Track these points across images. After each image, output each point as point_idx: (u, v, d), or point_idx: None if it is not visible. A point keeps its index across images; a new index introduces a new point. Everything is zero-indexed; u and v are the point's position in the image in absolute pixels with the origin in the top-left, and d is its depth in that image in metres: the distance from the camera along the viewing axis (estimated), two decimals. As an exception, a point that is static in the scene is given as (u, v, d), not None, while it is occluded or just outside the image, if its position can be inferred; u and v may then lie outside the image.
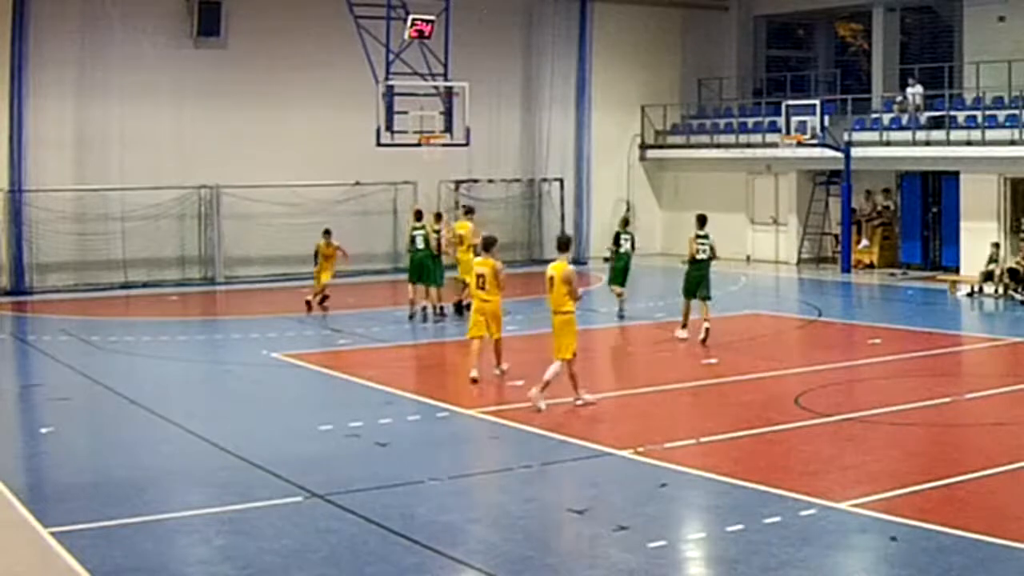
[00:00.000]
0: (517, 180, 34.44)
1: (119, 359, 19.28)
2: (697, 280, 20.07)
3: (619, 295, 22.71)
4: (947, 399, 15.25)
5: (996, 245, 26.76)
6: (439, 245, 23.10)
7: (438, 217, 24.15)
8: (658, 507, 10.88)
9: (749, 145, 33.76)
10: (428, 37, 26.66)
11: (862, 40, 37.66)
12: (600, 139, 35.56)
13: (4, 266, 27.86)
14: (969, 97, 30.04)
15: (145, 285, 28.88)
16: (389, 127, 25.90)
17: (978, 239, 27.62)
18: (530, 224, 34.43)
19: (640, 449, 12.53)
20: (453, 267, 24.34)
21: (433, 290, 22.84)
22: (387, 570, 9.09)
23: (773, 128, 32.29)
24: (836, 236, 32.65)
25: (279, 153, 30.20)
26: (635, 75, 36.01)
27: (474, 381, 16.40)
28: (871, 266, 31.65)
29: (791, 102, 30.88)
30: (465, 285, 22.26)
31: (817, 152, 30.68)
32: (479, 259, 17.04)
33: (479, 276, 16.60)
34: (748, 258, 34.10)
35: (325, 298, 24.03)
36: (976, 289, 25.99)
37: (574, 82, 35.17)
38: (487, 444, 13.63)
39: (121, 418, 14.97)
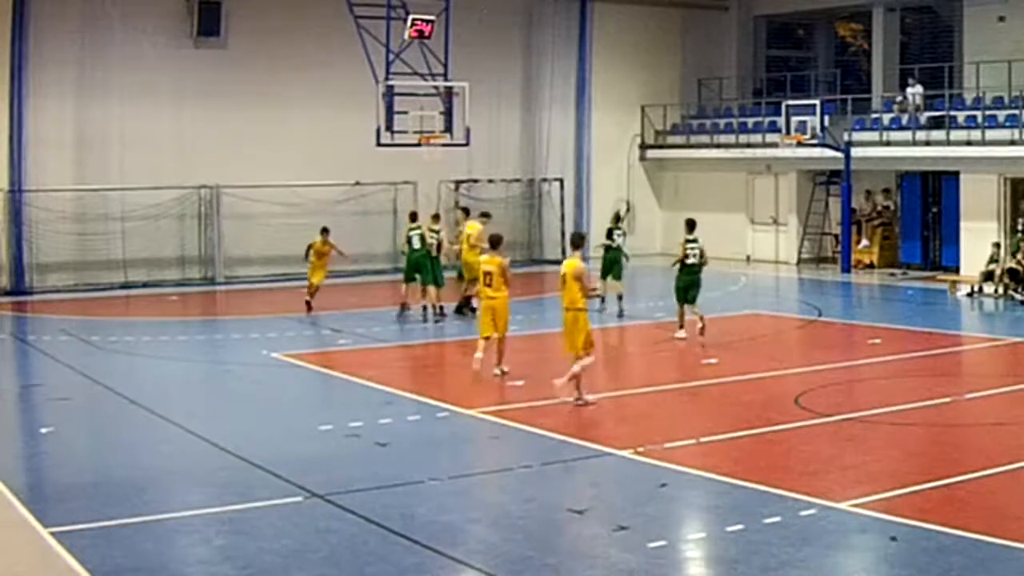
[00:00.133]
0: (517, 180, 34.44)
1: (119, 359, 19.28)
2: (687, 285, 20.33)
3: (616, 291, 23.02)
4: (947, 399, 15.25)
5: (996, 245, 26.77)
6: (438, 245, 23.12)
7: (436, 218, 24.20)
8: (658, 507, 10.88)
9: (749, 145, 33.76)
10: (428, 37, 26.65)
11: (862, 40, 37.66)
12: (600, 139, 35.57)
13: (4, 266, 27.86)
14: (969, 97, 30.04)
15: (145, 285, 28.88)
16: (389, 127, 25.90)
17: (978, 239, 27.62)
18: (530, 224, 34.43)
19: (640, 449, 12.53)
20: (451, 268, 24.43)
21: (433, 289, 22.85)
22: (387, 570, 9.09)
23: (773, 128, 32.29)
24: (836, 236, 32.65)
25: (279, 153, 30.20)
26: (635, 75, 36.01)
27: (476, 372, 16.52)
28: (871, 266, 31.65)
29: (791, 102, 30.88)
30: (471, 283, 22.32)
31: (817, 152, 30.68)
32: (486, 257, 17.24)
33: (487, 274, 16.85)
34: (748, 258, 34.11)
35: (311, 297, 23.89)
36: (976, 289, 25.99)
37: (574, 82, 35.18)
38: (487, 444, 13.63)
39: (121, 418, 14.97)
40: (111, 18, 28.51)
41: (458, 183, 32.70)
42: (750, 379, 16.85)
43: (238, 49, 30.15)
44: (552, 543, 9.73)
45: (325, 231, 24.13)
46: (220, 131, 29.67)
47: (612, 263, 23.40)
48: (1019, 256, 25.72)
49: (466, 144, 27.45)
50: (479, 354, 16.76)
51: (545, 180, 34.81)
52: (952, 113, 29.20)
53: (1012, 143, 27.38)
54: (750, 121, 34.38)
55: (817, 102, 30.32)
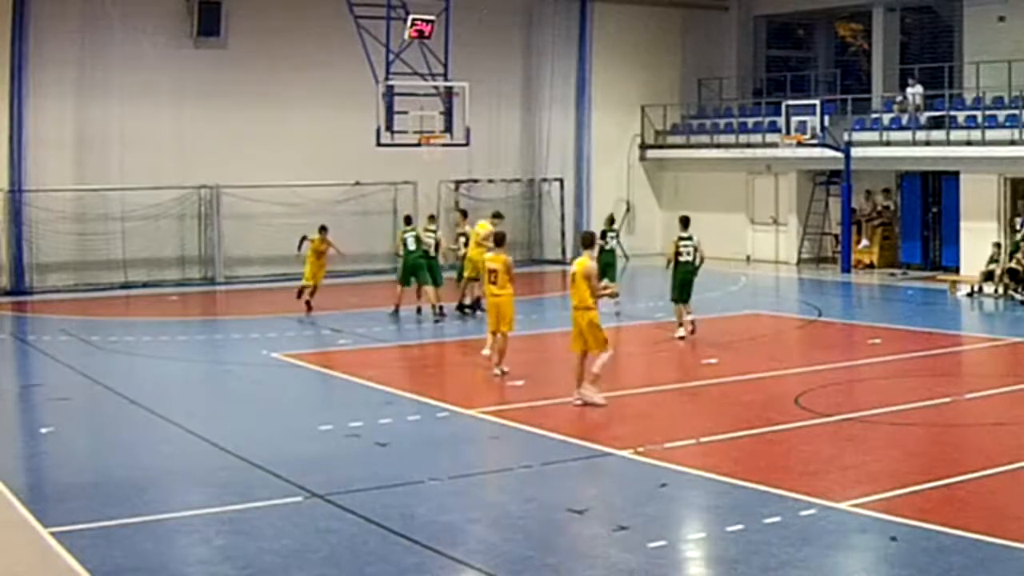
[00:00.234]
0: (517, 180, 34.45)
1: (119, 359, 19.28)
2: (682, 282, 20.44)
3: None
4: (947, 399, 15.25)
5: (997, 245, 26.77)
6: (436, 246, 23.14)
7: (432, 218, 24.23)
8: (658, 507, 10.88)
9: (749, 145, 33.76)
10: (428, 37, 26.66)
11: (862, 40, 37.67)
12: (600, 139, 35.57)
13: (4, 266, 27.87)
14: (969, 97, 30.05)
15: (145, 285, 28.89)
16: (389, 127, 25.90)
17: (978, 239, 27.63)
18: (530, 224, 34.43)
19: (640, 449, 12.53)
20: (447, 268, 24.46)
21: (430, 289, 22.88)
22: (387, 570, 9.09)
23: (773, 128, 32.29)
24: (836, 236, 32.66)
25: (279, 153, 30.20)
26: (635, 75, 36.02)
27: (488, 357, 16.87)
28: (871, 266, 31.66)
29: (791, 102, 30.89)
30: (470, 281, 22.37)
31: (817, 152, 30.69)
32: (490, 255, 17.38)
33: (491, 271, 17.02)
34: (748, 258, 34.12)
35: (301, 294, 23.89)
36: (976, 289, 25.99)
37: (574, 82, 35.18)
38: (487, 444, 13.63)
39: (121, 418, 14.97)
40: (111, 18, 28.51)
41: (458, 183, 32.71)
42: (750, 379, 16.84)
43: (238, 49, 30.16)
44: (552, 543, 9.73)
45: (323, 229, 24.08)
46: (220, 131, 29.68)
47: (606, 266, 23.40)
48: (1019, 256, 25.72)
49: (466, 144, 27.46)
50: (486, 351, 16.99)
51: (545, 180, 34.83)
52: (952, 113, 29.21)
53: (1012, 143, 27.39)
54: (750, 121, 34.38)
55: (817, 102, 30.33)
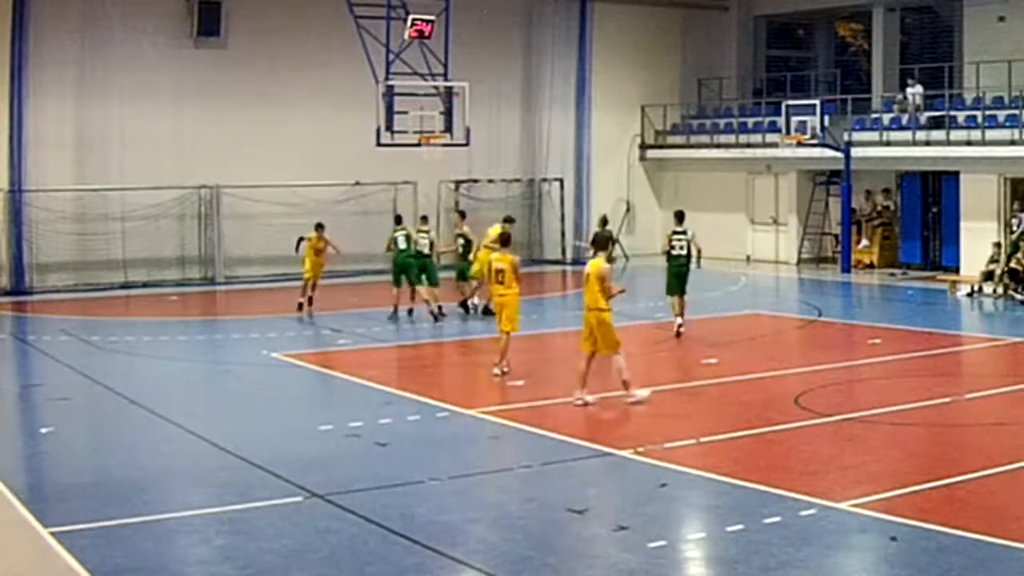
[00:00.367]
0: (517, 180, 34.45)
1: (119, 359, 19.27)
2: (676, 276, 20.66)
3: None
4: (947, 399, 15.25)
5: (997, 245, 26.76)
6: (431, 246, 23.16)
7: (424, 219, 24.23)
8: (658, 507, 10.88)
9: (749, 145, 33.76)
10: (428, 37, 26.65)
11: (862, 40, 37.67)
12: (600, 139, 35.57)
13: (4, 266, 27.87)
14: (969, 97, 30.05)
15: (145, 285, 28.89)
16: (389, 127, 25.90)
17: (978, 239, 27.63)
18: (530, 224, 34.41)
19: (640, 449, 12.53)
20: (449, 267, 24.48)
21: (422, 289, 22.93)
22: (387, 570, 9.09)
23: (773, 128, 32.29)
24: (836, 236, 32.66)
25: (279, 153, 30.21)
26: (635, 75, 36.02)
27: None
28: (871, 266, 31.66)
29: (791, 102, 30.88)
30: (479, 284, 22.43)
31: (817, 152, 30.68)
32: (497, 255, 17.47)
33: (498, 271, 17.11)
34: (748, 258, 34.12)
35: (301, 307, 23.73)
36: (976, 289, 25.99)
37: (574, 82, 35.17)
38: (487, 444, 13.62)
39: (121, 418, 14.96)
40: (111, 18, 28.51)
41: (458, 183, 32.71)
42: (750, 379, 16.85)
43: (238, 49, 30.16)
44: (552, 543, 9.72)
45: (320, 227, 24.03)
46: (220, 131, 29.68)
47: None
48: (1019, 255, 25.72)
49: (466, 144, 27.46)
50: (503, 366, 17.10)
51: (545, 180, 34.82)
52: (952, 113, 29.21)
53: (1012, 143, 27.38)
54: (750, 121, 34.38)
55: (817, 102, 30.33)
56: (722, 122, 35.31)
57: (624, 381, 14.86)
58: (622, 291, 15.63)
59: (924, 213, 31.15)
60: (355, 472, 12.01)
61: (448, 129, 26.53)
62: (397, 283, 23.23)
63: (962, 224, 28.95)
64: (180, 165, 29.36)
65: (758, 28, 37.64)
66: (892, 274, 30.52)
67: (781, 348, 20.67)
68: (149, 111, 29.05)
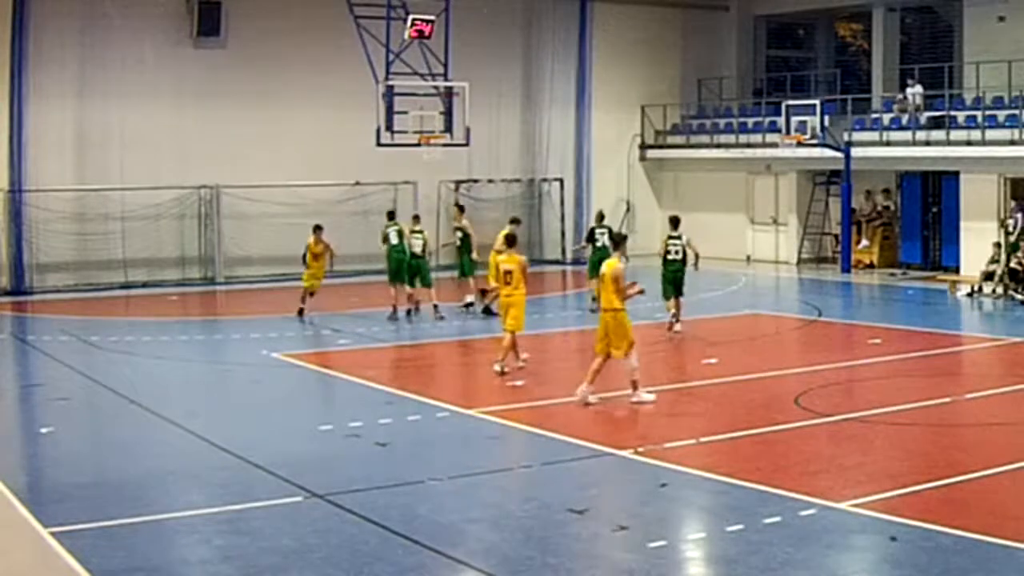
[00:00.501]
0: (517, 180, 34.44)
1: (119, 359, 19.26)
2: (671, 280, 20.81)
3: (597, 292, 23.27)
4: (947, 399, 15.25)
5: (997, 245, 26.74)
6: (424, 246, 23.14)
7: (416, 219, 24.17)
8: (658, 507, 10.88)
9: (749, 145, 33.76)
10: (428, 37, 26.65)
11: (862, 40, 37.67)
12: (600, 139, 35.56)
13: (4, 266, 27.86)
14: (969, 97, 30.05)
15: (145, 285, 28.89)
16: (389, 127, 25.90)
17: (978, 239, 27.62)
18: (530, 224, 34.38)
19: (640, 449, 12.53)
20: (449, 267, 24.47)
21: (410, 289, 22.94)
22: (387, 570, 9.09)
23: (773, 128, 32.29)
24: (836, 236, 32.66)
25: (279, 153, 30.21)
26: (635, 75, 36.02)
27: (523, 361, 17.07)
28: (871, 266, 31.66)
29: (791, 102, 30.88)
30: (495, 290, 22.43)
31: (817, 152, 30.68)
32: (504, 256, 17.48)
33: (506, 272, 17.17)
34: (748, 258, 34.12)
35: (302, 313, 23.46)
36: (976, 289, 25.98)
37: (574, 82, 35.17)
38: (487, 444, 13.62)
39: (121, 418, 14.96)
40: (111, 18, 28.51)
41: (458, 183, 32.71)
42: (750, 379, 16.85)
43: (238, 49, 30.15)
44: (552, 543, 9.72)
45: (318, 228, 23.77)
46: (220, 131, 29.67)
47: (597, 264, 23.58)
48: (1019, 255, 25.72)
49: (466, 144, 27.45)
50: (524, 355, 17.21)
51: (545, 180, 34.82)
52: (952, 113, 29.21)
53: (1012, 143, 27.38)
54: (750, 121, 34.38)
55: (817, 102, 30.33)
56: (722, 122, 35.31)
57: (633, 381, 14.87)
58: (641, 291, 15.59)
59: (924, 213, 31.15)
60: (355, 472, 12.01)
61: (448, 129, 26.52)
62: (393, 281, 23.21)
63: (962, 224, 28.95)
64: (180, 165, 29.36)
65: (758, 28, 37.64)
66: (892, 274, 30.52)
67: (781, 348, 20.68)
68: (149, 111, 29.05)
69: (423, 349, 20.75)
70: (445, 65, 27.09)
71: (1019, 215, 26.50)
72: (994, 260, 26.26)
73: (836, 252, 32.47)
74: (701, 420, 14.43)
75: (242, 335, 21.51)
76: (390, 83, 26.09)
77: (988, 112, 28.45)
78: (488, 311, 22.57)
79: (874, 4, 33.92)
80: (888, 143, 30.57)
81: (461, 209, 25.73)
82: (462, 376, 18.53)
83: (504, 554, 9.50)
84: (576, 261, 32.87)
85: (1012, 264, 25.72)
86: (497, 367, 16.88)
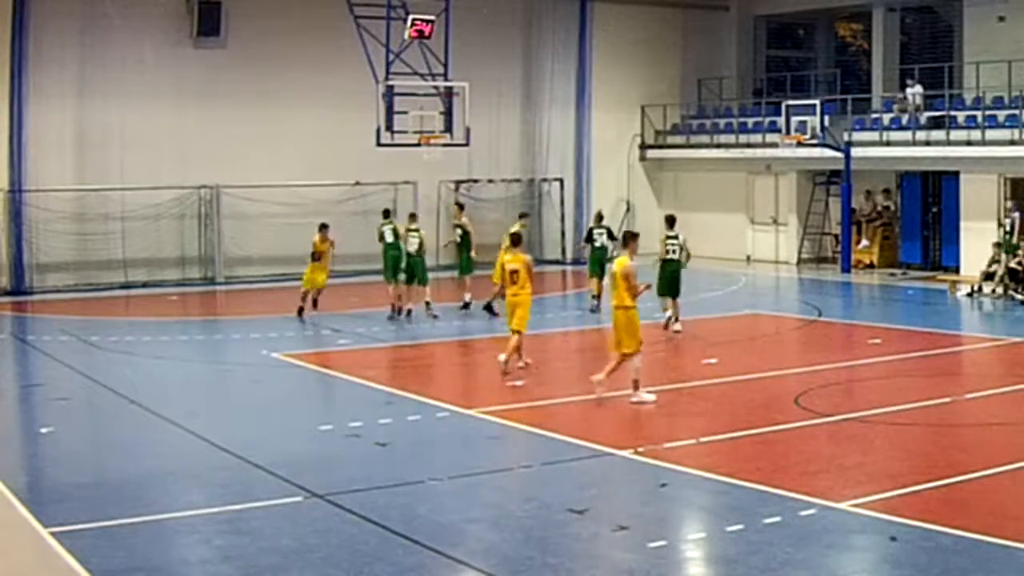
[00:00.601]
0: (517, 180, 34.44)
1: (119, 359, 19.25)
2: (668, 278, 20.94)
3: (596, 291, 23.73)
4: (947, 399, 15.25)
5: (998, 245, 26.74)
6: (420, 244, 23.15)
7: (413, 217, 24.16)
8: (658, 507, 10.88)
9: (749, 145, 33.76)
10: (428, 37, 26.65)
11: (862, 40, 37.67)
12: (600, 139, 35.56)
13: (4, 266, 27.86)
14: (969, 97, 30.04)
15: (145, 285, 28.89)
16: (389, 127, 25.90)
17: (978, 239, 27.62)
18: (530, 224, 34.37)
19: (640, 449, 12.53)
20: (450, 267, 24.47)
21: (395, 288, 22.95)
22: (387, 570, 9.09)
23: (773, 128, 32.29)
24: (836, 236, 32.66)
25: (279, 153, 30.21)
26: (635, 75, 36.02)
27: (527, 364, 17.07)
28: (871, 266, 31.66)
29: (791, 102, 30.88)
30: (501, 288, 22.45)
31: (817, 152, 30.68)
32: (509, 255, 17.54)
33: (512, 271, 17.20)
34: (748, 258, 34.12)
35: (315, 302, 23.62)
36: (976, 289, 25.98)
37: (574, 82, 35.16)
38: (487, 444, 13.62)
39: (121, 418, 14.96)
40: (111, 18, 28.50)
41: (458, 183, 32.71)
42: (750, 379, 16.85)
43: (238, 49, 30.15)
44: (552, 543, 9.72)
45: (324, 227, 23.76)
46: (220, 131, 29.67)
47: (596, 262, 23.94)
48: (1020, 254, 25.71)
49: (466, 144, 27.44)
50: (521, 361, 17.12)
51: (545, 180, 34.81)
52: (952, 113, 29.21)
53: (1012, 143, 27.38)
54: (750, 121, 34.38)
55: (817, 102, 30.33)
56: (722, 122, 35.31)
57: (634, 381, 14.89)
58: (647, 287, 15.73)
59: (924, 213, 31.14)
60: (355, 472, 12.01)
61: (448, 129, 26.52)
62: (389, 279, 23.22)
63: (962, 224, 28.95)
64: (180, 165, 29.36)
65: (758, 28, 37.64)
66: (892, 274, 30.53)
67: (781, 348, 20.68)
68: (149, 111, 29.05)
69: (423, 349, 20.74)
70: (445, 65, 27.09)
71: (1016, 215, 26.52)
72: (995, 260, 26.25)
73: (836, 252, 32.47)
74: (701, 420, 14.44)
75: (242, 335, 21.51)
76: (390, 83, 26.09)
77: (988, 112, 28.45)
78: (489, 309, 22.57)
79: (874, 4, 33.92)
80: (888, 143, 30.57)
81: (461, 207, 25.76)
82: (462, 376, 18.53)
83: (504, 554, 9.50)
84: (576, 261, 32.89)
85: (1012, 264, 25.71)
86: (503, 357, 16.88)
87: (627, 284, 14.91)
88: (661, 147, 36.40)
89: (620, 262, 15.18)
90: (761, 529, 9.82)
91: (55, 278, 28.29)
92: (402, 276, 23.13)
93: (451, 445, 13.51)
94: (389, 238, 23.41)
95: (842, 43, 39.33)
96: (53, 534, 9.84)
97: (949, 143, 28.79)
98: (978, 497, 10.85)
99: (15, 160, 27.79)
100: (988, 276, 26.07)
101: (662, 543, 9.66)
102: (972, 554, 9.16)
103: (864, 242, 31.97)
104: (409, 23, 26.31)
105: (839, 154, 30.78)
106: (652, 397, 14.98)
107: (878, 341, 20.02)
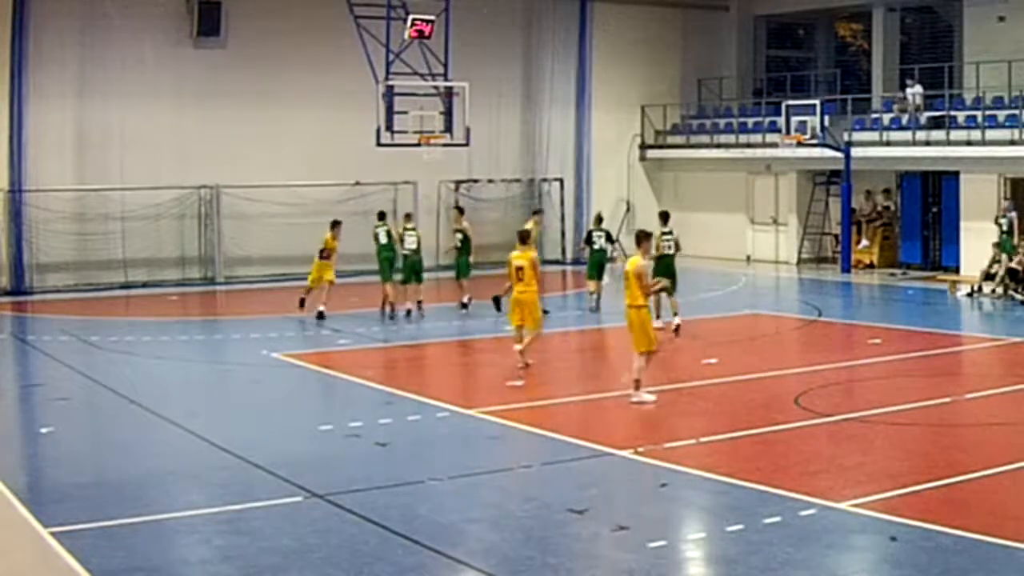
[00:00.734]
0: (517, 180, 34.43)
1: (119, 359, 19.25)
2: (663, 273, 20.78)
3: (593, 290, 23.82)
4: (947, 399, 15.25)
5: (997, 245, 26.72)
6: (418, 243, 23.15)
7: (408, 217, 24.18)
8: (658, 507, 10.88)
9: (749, 145, 33.76)
10: (428, 37, 26.65)
11: (862, 40, 37.67)
12: (600, 139, 35.55)
13: (4, 266, 27.85)
14: (969, 97, 30.05)
15: (145, 285, 28.88)
16: (389, 127, 25.90)
17: (978, 239, 27.61)
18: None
19: (640, 449, 12.53)
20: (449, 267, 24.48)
21: (390, 288, 22.96)
22: (387, 570, 9.09)
23: (773, 128, 32.29)
24: (836, 236, 32.66)
25: (279, 153, 30.21)
26: (635, 75, 36.01)
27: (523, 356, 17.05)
28: (871, 266, 31.66)
29: (791, 102, 30.88)
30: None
31: (817, 152, 30.68)
32: (516, 252, 17.47)
33: (518, 268, 17.15)
34: (748, 258, 34.12)
35: (302, 301, 23.42)
36: (976, 289, 25.98)
37: (574, 82, 35.16)
38: (487, 444, 13.62)
39: (121, 418, 14.96)
40: (111, 18, 28.50)
41: (458, 183, 32.71)
42: (750, 379, 16.85)
43: (238, 49, 30.15)
44: (552, 543, 9.72)
45: (336, 225, 23.45)
46: (220, 131, 29.67)
47: (595, 264, 24.05)
48: (1020, 254, 25.71)
49: (466, 144, 27.45)
50: (519, 346, 17.07)
51: (545, 180, 34.80)
52: (952, 113, 29.21)
53: (1012, 143, 27.38)
54: (750, 121, 34.38)
55: (817, 102, 30.33)
56: (722, 122, 35.31)
57: (636, 380, 14.89)
58: (662, 286, 15.80)
59: (924, 213, 31.15)
60: (355, 472, 12.02)
61: (448, 129, 26.53)
62: (385, 279, 23.22)
63: (962, 224, 28.95)
64: (180, 165, 29.35)
65: (758, 28, 37.64)
66: (892, 274, 30.53)
67: (781, 348, 20.68)
68: (149, 111, 29.04)
69: (423, 349, 20.74)
70: (445, 65, 27.09)
71: (1013, 214, 26.53)
72: (995, 261, 26.25)
73: (836, 252, 32.47)
74: (701, 420, 14.44)
75: (242, 335, 21.51)
76: (390, 83, 26.09)
77: (988, 112, 28.46)
78: (496, 302, 22.67)
79: (874, 4, 33.92)
80: (888, 143, 30.57)
81: (461, 211, 25.74)
82: (462, 376, 18.53)
83: (504, 554, 9.50)
84: (576, 261, 32.89)
85: (1012, 264, 25.71)
86: (519, 347, 16.88)
87: (640, 283, 14.96)
88: (661, 147, 36.39)
89: (632, 261, 15.24)
90: (761, 529, 9.82)
91: (55, 278, 28.29)
92: (398, 276, 23.18)
93: (451, 445, 13.51)
94: (383, 240, 23.44)
95: (842, 43, 39.33)
96: (53, 534, 9.84)
97: (949, 143, 28.79)
98: (978, 497, 10.85)
99: (15, 160, 27.79)
100: (988, 276, 26.07)
101: (662, 543, 9.65)
102: (972, 554, 9.16)
103: (864, 242, 31.97)
104: (409, 23, 26.31)
105: (839, 154, 30.78)
106: (652, 397, 14.99)
107: (878, 341, 20.02)
